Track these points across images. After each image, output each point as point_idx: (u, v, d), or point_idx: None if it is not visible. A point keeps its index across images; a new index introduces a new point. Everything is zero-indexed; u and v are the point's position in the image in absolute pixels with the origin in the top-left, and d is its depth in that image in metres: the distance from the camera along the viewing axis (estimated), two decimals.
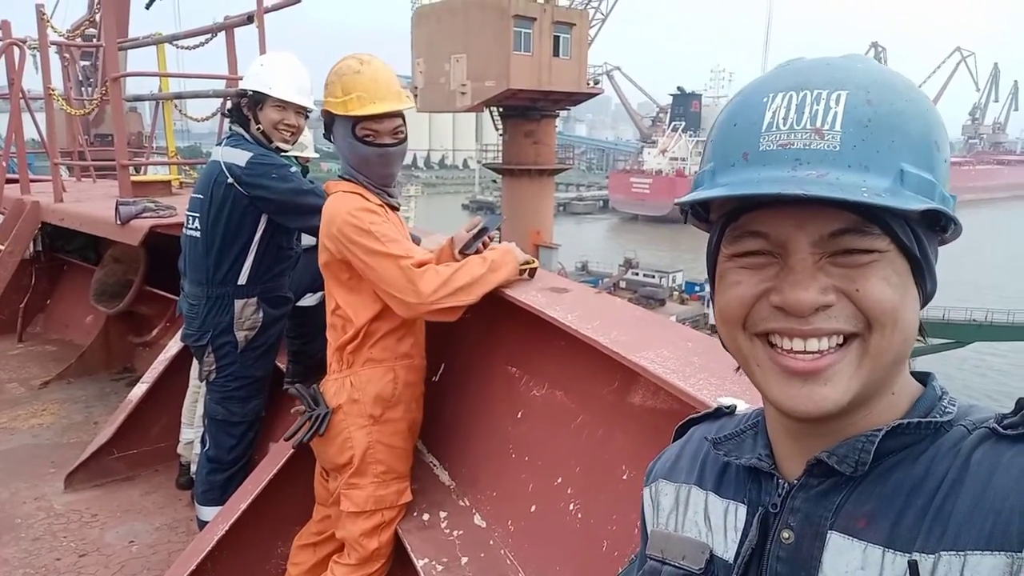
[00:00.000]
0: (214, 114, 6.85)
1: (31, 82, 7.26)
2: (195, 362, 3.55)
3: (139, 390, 4.21)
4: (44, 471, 4.17)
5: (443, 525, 2.44)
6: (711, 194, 0.70)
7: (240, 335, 3.12)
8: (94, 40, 11.48)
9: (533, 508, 2.23)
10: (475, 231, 2.69)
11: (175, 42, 6.59)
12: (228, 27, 5.92)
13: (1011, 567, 0.60)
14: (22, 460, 4.32)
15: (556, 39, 29.38)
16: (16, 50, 6.64)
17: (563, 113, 34.84)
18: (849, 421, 0.73)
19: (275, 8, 5.87)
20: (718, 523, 0.83)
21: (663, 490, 0.92)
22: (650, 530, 0.93)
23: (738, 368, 0.79)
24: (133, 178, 5.71)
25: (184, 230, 3.23)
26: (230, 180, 2.96)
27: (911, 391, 0.75)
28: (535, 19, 28.46)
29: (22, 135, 6.82)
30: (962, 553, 0.63)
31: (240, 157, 2.97)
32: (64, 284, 6.79)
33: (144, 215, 4.57)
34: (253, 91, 3.05)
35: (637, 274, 45.31)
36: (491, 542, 2.30)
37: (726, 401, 1.42)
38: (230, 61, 5.94)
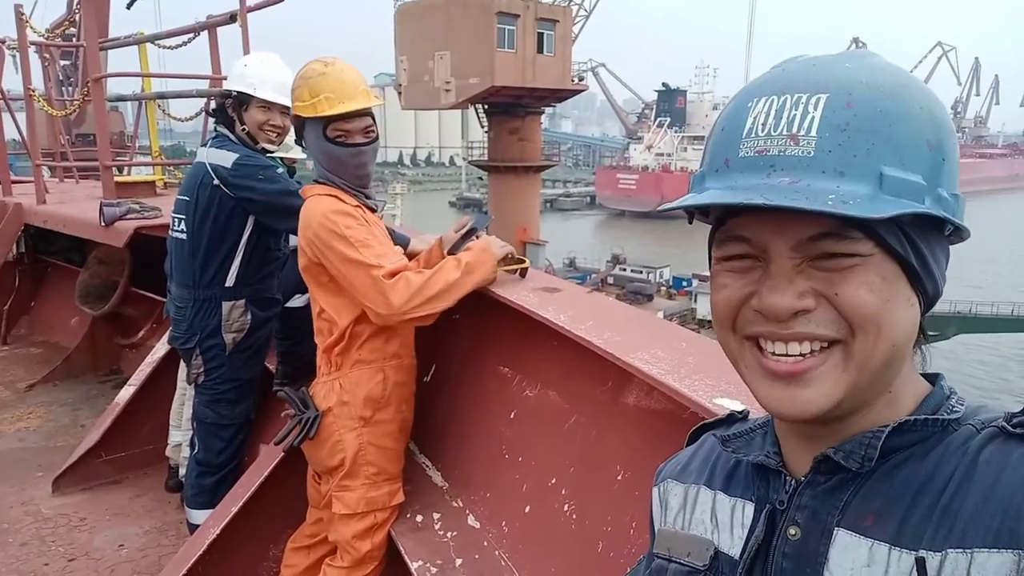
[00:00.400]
0: (198, 114, 6.80)
1: (11, 82, 7.19)
2: (183, 364, 3.53)
3: (126, 392, 4.17)
4: (31, 475, 4.12)
5: (437, 527, 2.44)
6: (683, 203, 0.72)
7: (228, 337, 3.10)
8: (74, 40, 11.36)
9: (527, 509, 2.22)
10: (463, 231, 2.68)
11: (157, 42, 6.54)
12: (211, 26, 5.87)
13: (1018, 564, 0.61)
14: (8, 464, 4.27)
15: (540, 36, 29.40)
16: None
17: (549, 110, 34.89)
18: (851, 421, 0.73)
19: (258, 7, 5.83)
20: (725, 520, 0.84)
21: (672, 490, 0.93)
22: (658, 529, 0.94)
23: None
24: (117, 179, 5.65)
25: (170, 232, 3.20)
26: (216, 182, 2.94)
27: (917, 390, 0.75)
28: (518, 16, 28.45)
29: (3, 136, 6.74)
30: (969, 551, 0.63)
31: (226, 158, 2.94)
32: (48, 286, 6.71)
33: (129, 216, 4.53)
34: (237, 92, 3.02)
35: (624, 270, 45.44)
36: (485, 543, 2.30)
37: (725, 403, 1.43)
38: (213, 61, 5.90)
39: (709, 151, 0.75)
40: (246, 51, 5.19)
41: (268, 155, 3.10)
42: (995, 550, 0.62)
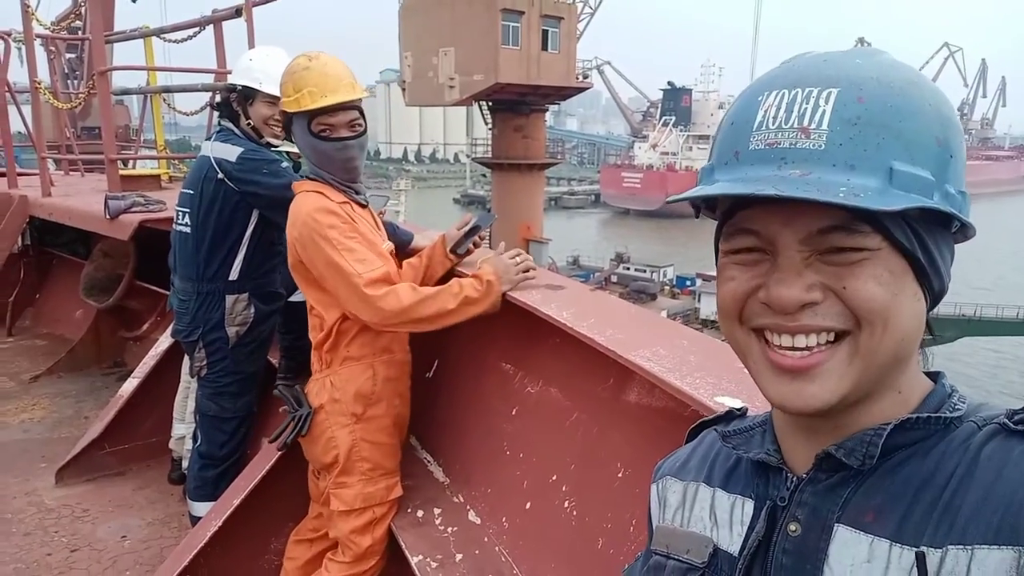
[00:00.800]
0: (203, 108, 6.80)
1: (16, 75, 7.20)
2: (186, 357, 3.54)
3: (130, 385, 4.19)
4: (35, 466, 4.14)
5: (437, 522, 2.44)
6: (693, 194, 0.73)
7: (231, 331, 3.11)
8: (79, 33, 11.36)
9: (528, 505, 2.23)
10: (466, 229, 2.68)
11: (163, 35, 6.55)
12: (216, 20, 5.88)
13: (1018, 561, 0.61)
14: (12, 455, 4.29)
15: (544, 33, 29.35)
16: (1, 44, 6.58)
17: (553, 107, 34.84)
18: (852, 418, 0.73)
19: (263, 2, 5.83)
20: (724, 517, 0.84)
21: (671, 487, 0.93)
22: (656, 526, 0.94)
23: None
24: (122, 172, 5.66)
25: (174, 225, 3.21)
26: (220, 175, 2.95)
27: (921, 388, 0.76)
28: (523, 13, 28.41)
29: (8, 129, 6.76)
30: (969, 547, 0.63)
31: (230, 152, 2.95)
32: (53, 278, 6.73)
33: (133, 209, 4.54)
34: (243, 86, 3.03)
35: (628, 268, 45.43)
36: (486, 539, 2.31)
37: (726, 401, 1.44)
38: (218, 55, 5.90)
39: (718, 144, 0.76)
40: (251, 45, 5.20)
41: (273, 149, 3.11)
42: (995, 547, 0.62)
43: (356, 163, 2.44)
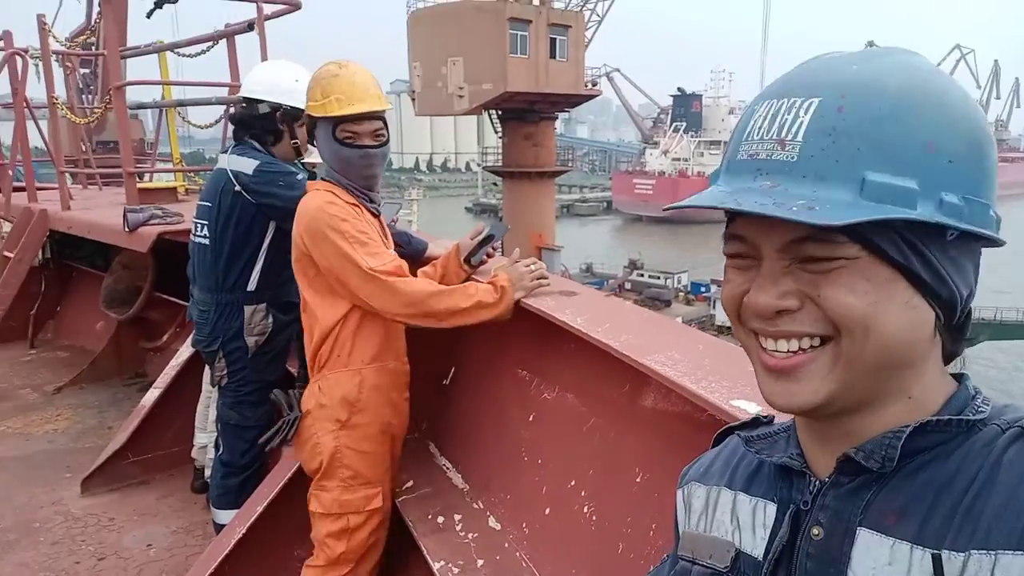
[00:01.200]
0: (217, 121, 6.90)
1: (33, 90, 7.33)
2: (207, 367, 3.59)
3: (152, 395, 4.25)
4: (60, 476, 4.21)
5: (458, 528, 2.48)
6: (681, 203, 0.76)
7: (250, 340, 3.16)
8: (93, 49, 11.53)
9: (547, 511, 2.26)
10: (480, 238, 2.71)
11: (176, 50, 6.64)
12: (229, 35, 5.97)
13: None
14: (38, 465, 4.36)
15: (552, 41, 29.37)
16: (19, 60, 6.69)
17: (564, 115, 34.83)
18: (861, 424, 0.73)
19: (275, 15, 5.92)
20: (746, 521, 0.84)
21: (695, 492, 0.94)
22: (681, 531, 0.95)
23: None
24: (139, 185, 5.75)
25: (192, 237, 3.26)
26: (237, 188, 3.00)
27: (943, 391, 0.75)
28: (531, 21, 28.46)
29: (27, 144, 6.87)
30: (993, 552, 0.62)
31: (247, 165, 3.00)
32: (73, 290, 6.83)
33: (152, 222, 4.62)
34: (291, 106, 3.08)
35: (642, 275, 45.21)
36: (506, 544, 2.34)
37: (742, 405, 1.46)
38: (231, 68, 5.99)
39: (724, 152, 0.78)
40: (264, 59, 5.28)
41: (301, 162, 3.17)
42: (1020, 552, 0.61)
43: (376, 171, 2.49)
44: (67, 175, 6.75)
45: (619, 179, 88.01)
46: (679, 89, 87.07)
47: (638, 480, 1.95)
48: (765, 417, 0.94)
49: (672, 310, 39.52)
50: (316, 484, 2.47)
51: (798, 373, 0.71)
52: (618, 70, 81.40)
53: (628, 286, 43.11)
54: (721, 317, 38.13)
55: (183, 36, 6.68)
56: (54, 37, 7.41)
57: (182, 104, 6.97)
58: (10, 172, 6.90)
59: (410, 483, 2.80)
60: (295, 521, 2.92)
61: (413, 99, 32.49)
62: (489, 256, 2.75)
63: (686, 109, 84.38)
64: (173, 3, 5.62)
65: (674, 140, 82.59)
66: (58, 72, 9.73)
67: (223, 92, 6.07)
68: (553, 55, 29.49)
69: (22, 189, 6.92)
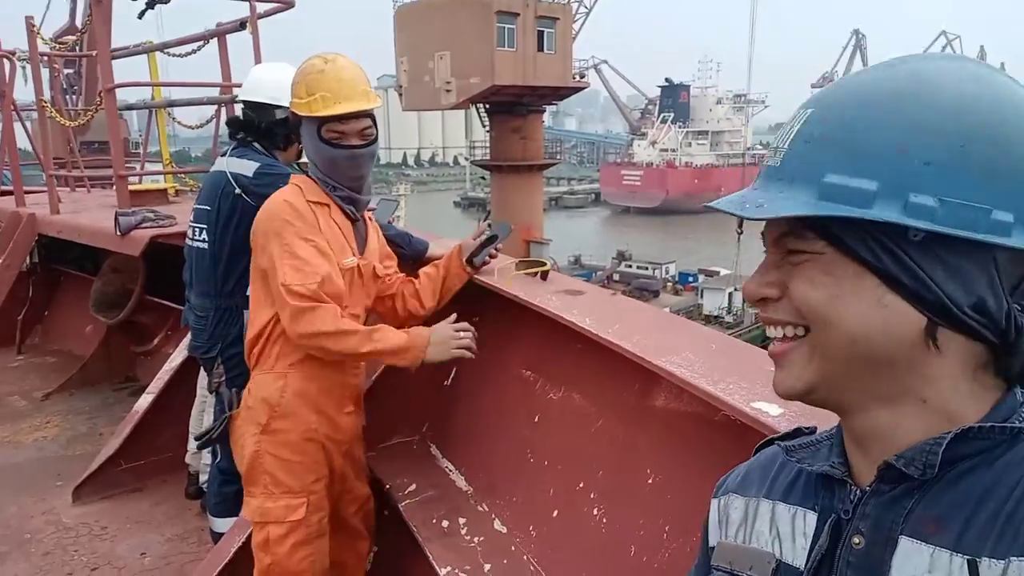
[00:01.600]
0: (208, 121, 6.81)
1: (19, 92, 7.22)
2: (202, 372, 3.53)
3: (145, 400, 4.18)
4: (51, 484, 4.13)
5: (463, 531, 2.43)
6: (713, 204, 0.81)
7: None
8: (77, 50, 11.38)
9: (555, 513, 2.22)
10: (482, 239, 2.65)
11: (167, 50, 6.55)
12: (220, 34, 5.88)
13: None
14: (28, 474, 4.28)
15: (540, 34, 29.37)
16: (6, 63, 6.59)
17: (551, 108, 34.86)
18: (882, 427, 0.74)
19: (267, 14, 5.84)
20: (786, 530, 0.83)
21: (733, 504, 0.93)
22: (718, 542, 0.93)
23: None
24: (129, 187, 5.66)
25: (189, 241, 3.20)
26: (237, 190, 2.94)
27: (981, 398, 0.73)
28: (518, 14, 28.44)
29: (15, 147, 6.77)
30: None
31: (247, 167, 2.95)
32: (62, 295, 6.73)
33: (144, 225, 4.54)
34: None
35: (630, 266, 45.40)
36: (513, 548, 2.30)
37: (762, 407, 1.43)
38: (223, 68, 5.90)
39: None
40: (257, 58, 5.20)
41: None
42: None
43: (364, 172, 2.36)
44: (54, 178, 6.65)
45: (607, 171, 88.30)
46: (667, 80, 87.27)
47: (650, 482, 1.92)
48: (807, 428, 0.94)
49: (660, 300, 39.61)
50: (246, 490, 2.36)
51: (785, 360, 0.75)
52: (605, 62, 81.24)
53: (616, 277, 43.22)
54: (709, 306, 38.33)
55: (168, 35, 6.59)
56: (42, 39, 7.29)
57: (173, 105, 6.88)
58: None
59: (412, 487, 2.75)
60: None
61: (400, 94, 32.38)
62: (492, 257, 2.70)
63: (674, 100, 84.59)
64: (165, 3, 5.52)
65: (662, 131, 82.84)
66: (44, 73, 9.60)
67: (215, 92, 5.98)
68: (541, 48, 29.47)
69: (9, 193, 6.81)
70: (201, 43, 6.10)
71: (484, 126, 32.62)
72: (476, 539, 2.39)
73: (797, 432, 0.93)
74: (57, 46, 8.01)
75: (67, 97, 13.50)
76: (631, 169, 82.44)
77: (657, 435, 1.94)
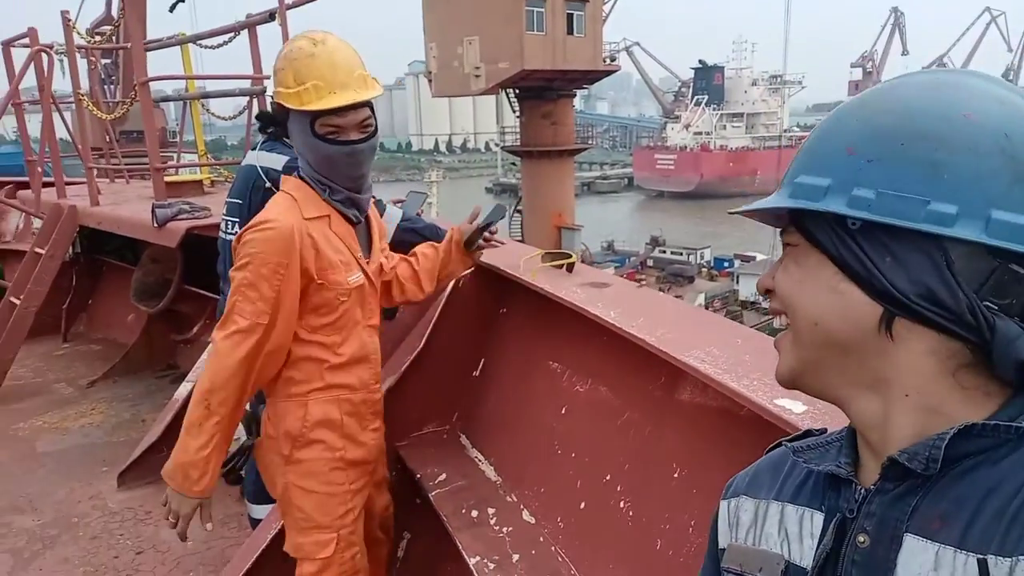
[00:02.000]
0: (241, 112, 6.90)
1: (57, 83, 7.36)
2: None
3: (185, 388, 4.29)
4: (97, 470, 4.28)
5: (492, 522, 2.47)
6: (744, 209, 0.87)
7: None
8: (114, 40, 11.58)
9: (583, 505, 2.25)
10: (477, 224, 2.48)
11: (199, 42, 6.64)
12: (250, 25, 5.94)
13: None
14: (75, 460, 4.44)
15: (569, 17, 29.01)
16: (44, 56, 6.73)
17: (583, 92, 34.56)
18: (879, 425, 0.75)
19: (297, 4, 5.88)
20: (794, 531, 0.84)
21: (743, 506, 0.94)
22: (728, 544, 0.94)
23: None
24: (165, 179, 5.78)
25: (222, 234, 3.26)
26: (267, 184, 2.99)
27: (978, 398, 0.73)
28: None
29: (55, 140, 6.93)
30: None
31: (276, 161, 2.99)
32: (104, 284, 6.92)
33: (180, 217, 4.64)
34: None
35: (664, 252, 45.04)
36: (541, 539, 2.33)
37: (786, 403, 1.43)
38: (254, 59, 5.97)
39: None
40: None
41: None
42: None
43: (364, 169, 2.10)
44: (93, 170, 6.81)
45: (640, 155, 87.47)
46: (700, 61, 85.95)
47: (676, 476, 1.93)
48: (818, 430, 0.94)
49: (695, 286, 39.32)
50: (284, 522, 2.28)
51: (778, 347, 0.82)
52: (637, 44, 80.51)
53: (650, 263, 42.92)
54: (744, 292, 37.91)
55: (202, 28, 6.68)
56: (77, 32, 7.43)
57: (207, 96, 6.98)
58: (39, 169, 6.96)
59: (443, 476, 2.79)
60: None
61: (430, 80, 32.36)
62: (487, 241, 2.50)
63: (708, 82, 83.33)
64: None
65: (696, 114, 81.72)
66: (81, 64, 9.81)
67: (246, 83, 6.06)
68: (570, 31, 29.15)
69: (51, 185, 6.99)
70: (232, 34, 6.17)
71: (514, 111, 32.48)
72: (505, 529, 2.42)
73: (807, 433, 0.94)
74: (93, 39, 8.17)
75: (105, 87, 13.76)
76: (665, 153, 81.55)
77: (682, 430, 1.95)
